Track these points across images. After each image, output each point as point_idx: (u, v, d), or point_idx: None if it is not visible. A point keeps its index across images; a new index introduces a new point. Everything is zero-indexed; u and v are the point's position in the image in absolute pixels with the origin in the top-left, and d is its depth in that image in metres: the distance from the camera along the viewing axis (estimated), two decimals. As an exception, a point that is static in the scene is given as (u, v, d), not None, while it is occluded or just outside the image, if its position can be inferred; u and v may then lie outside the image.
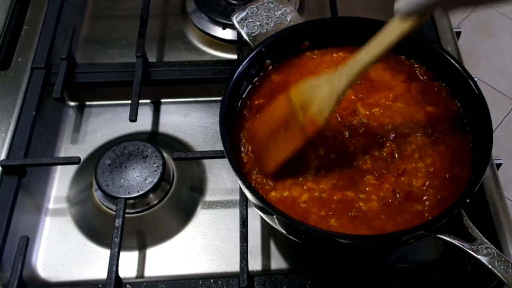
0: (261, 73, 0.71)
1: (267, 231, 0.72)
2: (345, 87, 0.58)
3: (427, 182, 0.62)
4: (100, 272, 0.69)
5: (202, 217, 0.74)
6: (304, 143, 0.61)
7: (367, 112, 0.67)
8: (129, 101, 0.76)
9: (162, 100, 0.85)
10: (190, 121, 0.82)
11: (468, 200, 0.57)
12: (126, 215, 0.69)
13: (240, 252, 0.65)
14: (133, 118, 0.75)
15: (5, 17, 0.89)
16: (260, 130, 0.64)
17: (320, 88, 0.59)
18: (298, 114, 0.60)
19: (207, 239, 0.72)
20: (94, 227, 0.73)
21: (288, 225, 0.59)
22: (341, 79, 0.58)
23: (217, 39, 0.90)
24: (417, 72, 0.71)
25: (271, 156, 0.62)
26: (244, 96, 0.69)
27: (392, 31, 0.56)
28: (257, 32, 0.72)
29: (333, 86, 0.59)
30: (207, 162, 0.78)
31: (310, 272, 0.67)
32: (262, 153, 0.63)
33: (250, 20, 0.73)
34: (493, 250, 0.55)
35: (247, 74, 0.69)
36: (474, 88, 0.64)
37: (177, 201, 0.74)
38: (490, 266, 0.54)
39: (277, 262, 0.70)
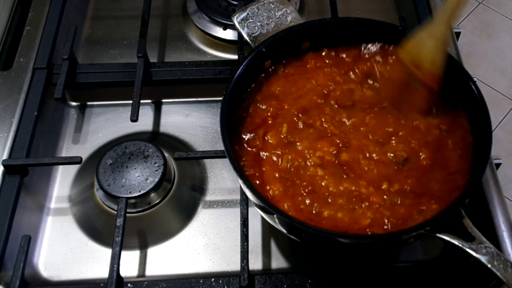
0: (262, 74, 0.71)
1: (267, 231, 0.72)
2: (446, 33, 0.62)
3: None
4: (101, 271, 0.69)
5: (203, 217, 0.74)
6: (431, 96, 0.65)
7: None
8: (130, 101, 0.77)
9: (163, 100, 0.85)
10: (191, 121, 0.83)
11: (467, 200, 0.58)
12: (127, 214, 0.69)
13: (241, 251, 0.66)
14: (134, 118, 0.75)
15: (7, 17, 0.89)
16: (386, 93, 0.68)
17: (425, 43, 0.63)
18: (414, 72, 0.64)
19: (208, 239, 0.72)
20: (96, 227, 0.73)
21: (288, 225, 0.59)
22: (441, 28, 0.62)
23: (218, 39, 0.90)
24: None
25: (408, 108, 0.67)
26: (244, 96, 0.70)
27: None
28: (257, 33, 0.72)
29: (436, 37, 0.62)
30: (208, 162, 0.78)
31: (310, 271, 0.67)
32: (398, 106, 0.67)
33: (251, 20, 0.73)
34: (492, 250, 0.55)
35: (247, 74, 0.69)
36: (474, 88, 0.65)
37: (178, 201, 0.74)
38: (489, 265, 0.54)
39: (278, 262, 0.70)
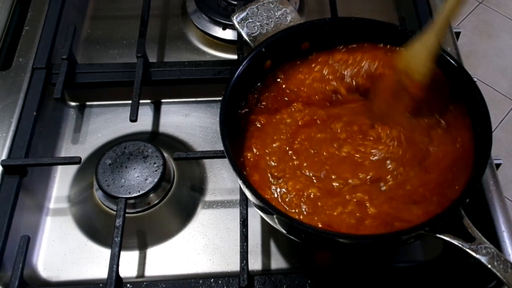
0: (261, 73, 0.71)
1: (267, 231, 0.72)
2: (435, 42, 0.64)
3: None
4: (100, 271, 0.69)
5: (203, 217, 0.74)
6: (413, 102, 0.67)
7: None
8: (130, 101, 0.77)
9: (163, 100, 0.85)
10: (191, 121, 0.83)
11: (467, 200, 0.58)
12: (126, 214, 0.69)
13: (240, 251, 0.66)
14: (133, 118, 0.75)
15: (6, 17, 0.89)
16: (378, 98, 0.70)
17: (418, 54, 0.65)
18: (405, 81, 0.66)
19: (207, 239, 0.72)
20: (95, 227, 0.73)
21: (288, 225, 0.59)
22: (432, 39, 0.64)
23: (218, 39, 0.90)
24: None
25: (394, 113, 0.68)
26: (244, 96, 0.70)
27: None
28: (257, 33, 0.72)
29: (427, 47, 0.64)
30: (207, 162, 0.78)
31: (310, 271, 0.67)
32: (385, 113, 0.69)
33: (250, 20, 0.73)
34: (492, 250, 0.55)
35: (247, 74, 0.69)
36: (474, 88, 0.65)
37: (178, 201, 0.74)
38: (489, 266, 0.54)
39: (277, 262, 0.70)
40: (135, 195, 0.70)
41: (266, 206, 0.57)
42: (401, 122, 0.67)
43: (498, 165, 0.77)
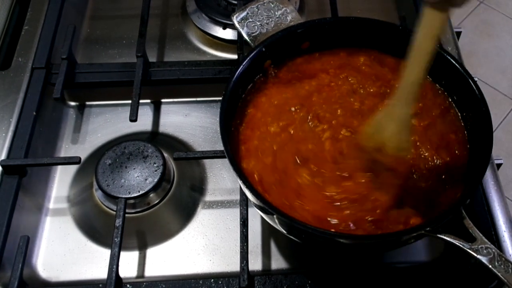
0: (262, 73, 0.71)
1: (267, 231, 0.72)
2: (408, 113, 0.57)
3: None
4: (100, 272, 0.69)
5: (203, 217, 0.74)
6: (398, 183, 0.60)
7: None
8: (130, 101, 0.76)
9: (163, 100, 0.85)
10: (191, 121, 0.82)
11: (468, 200, 0.57)
12: (126, 215, 0.69)
13: (241, 252, 0.66)
14: (133, 118, 0.75)
15: (5, 17, 0.89)
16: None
17: (385, 127, 0.58)
18: (379, 159, 0.60)
19: (208, 239, 0.72)
20: (95, 227, 0.73)
21: (288, 225, 0.59)
22: (401, 110, 0.56)
23: (218, 39, 0.90)
24: None
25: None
26: (244, 96, 0.69)
27: (428, 31, 0.53)
28: (257, 32, 0.72)
29: (396, 120, 0.57)
30: (207, 162, 0.78)
31: (310, 272, 0.67)
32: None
33: (251, 20, 0.72)
34: (493, 250, 0.55)
35: (247, 74, 0.69)
36: (474, 88, 0.64)
37: (178, 201, 0.74)
38: (490, 266, 0.54)
39: (278, 262, 0.70)
40: (135, 195, 0.70)
41: (266, 206, 0.57)
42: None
43: (499, 165, 0.77)
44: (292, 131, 0.66)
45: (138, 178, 0.71)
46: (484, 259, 0.55)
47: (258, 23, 0.72)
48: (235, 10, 0.75)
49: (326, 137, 0.65)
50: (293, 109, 0.68)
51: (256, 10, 0.73)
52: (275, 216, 0.57)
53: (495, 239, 0.68)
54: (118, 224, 0.67)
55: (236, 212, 0.70)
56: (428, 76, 0.70)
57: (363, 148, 0.60)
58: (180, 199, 0.74)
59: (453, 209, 0.56)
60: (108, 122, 0.82)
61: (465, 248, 0.55)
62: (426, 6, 0.52)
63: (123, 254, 0.67)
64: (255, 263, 0.70)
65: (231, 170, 0.60)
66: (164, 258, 0.71)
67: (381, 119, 0.58)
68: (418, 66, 0.54)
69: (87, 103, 0.84)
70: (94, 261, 0.70)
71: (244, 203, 0.68)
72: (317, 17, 0.73)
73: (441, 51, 0.68)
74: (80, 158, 0.73)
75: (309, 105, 0.69)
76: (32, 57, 0.83)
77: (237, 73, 0.67)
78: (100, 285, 0.66)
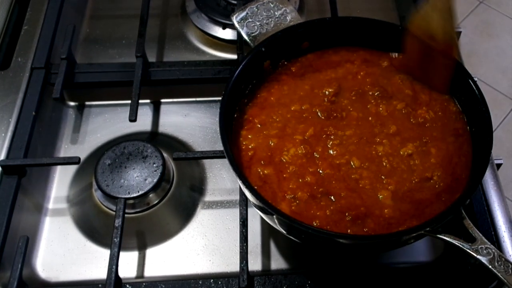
0: (261, 73, 0.71)
1: (267, 231, 0.72)
2: (448, 3, 0.62)
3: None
4: (100, 272, 0.69)
5: (202, 217, 0.74)
6: (454, 63, 0.66)
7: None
8: (129, 101, 0.76)
9: (162, 100, 0.85)
10: (190, 121, 0.82)
11: (468, 200, 0.57)
12: (126, 215, 0.69)
13: (240, 252, 0.65)
14: (133, 118, 0.75)
15: (4, 17, 0.89)
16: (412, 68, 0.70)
17: (432, 18, 0.64)
18: (432, 45, 0.65)
19: (207, 239, 0.72)
20: (94, 227, 0.73)
21: (288, 225, 0.59)
22: (444, 1, 0.62)
23: (217, 39, 0.89)
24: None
25: (437, 82, 0.68)
26: (244, 96, 0.69)
27: None
28: (257, 32, 0.72)
29: (439, 8, 0.62)
30: (207, 162, 0.78)
31: (310, 272, 0.67)
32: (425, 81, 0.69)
33: (250, 20, 0.72)
34: (493, 251, 0.55)
35: (247, 74, 0.68)
36: (475, 88, 0.64)
37: (177, 201, 0.74)
38: (490, 267, 0.54)
39: (277, 262, 0.70)
40: (135, 195, 0.70)
41: (266, 206, 0.57)
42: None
43: (499, 165, 0.77)
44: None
45: (138, 178, 0.71)
46: (484, 260, 0.55)
47: (258, 23, 0.72)
48: (235, 10, 0.74)
49: None
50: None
51: (256, 10, 0.73)
52: (274, 216, 0.57)
53: (495, 239, 0.68)
54: (118, 224, 0.67)
55: (235, 212, 0.70)
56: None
57: (416, 35, 0.66)
58: (180, 199, 0.74)
59: (453, 209, 0.56)
60: (107, 122, 0.82)
61: (465, 249, 0.55)
62: None
63: (123, 254, 0.67)
64: (255, 263, 0.70)
65: (231, 170, 0.60)
66: (164, 258, 0.70)
67: (427, 12, 0.64)
68: None
69: (87, 103, 0.84)
70: (94, 261, 0.70)
71: (243, 203, 0.68)
72: (317, 17, 0.73)
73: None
74: (79, 158, 0.73)
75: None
76: (32, 57, 0.83)
77: (236, 73, 0.67)
78: (100, 285, 0.66)
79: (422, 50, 0.67)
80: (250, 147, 0.65)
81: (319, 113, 0.67)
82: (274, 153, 0.64)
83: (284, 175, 0.63)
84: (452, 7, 0.63)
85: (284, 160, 0.63)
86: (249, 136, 0.66)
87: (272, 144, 0.65)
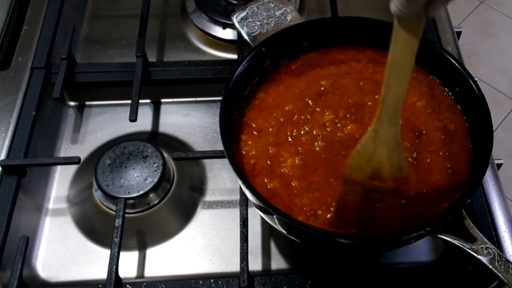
0: (262, 73, 0.71)
1: (267, 231, 0.72)
2: (397, 132, 0.54)
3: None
4: (100, 272, 0.69)
5: (202, 217, 0.74)
6: (406, 201, 0.58)
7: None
8: (129, 101, 0.76)
9: (162, 100, 0.85)
10: (190, 121, 0.82)
11: (468, 200, 0.57)
12: (126, 215, 0.69)
13: (241, 252, 0.65)
14: (133, 118, 0.75)
15: (5, 17, 0.89)
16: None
17: (375, 153, 0.55)
18: (378, 186, 0.57)
19: (207, 239, 0.72)
20: (94, 227, 0.73)
21: (288, 225, 0.59)
22: (389, 130, 0.54)
23: (217, 39, 0.89)
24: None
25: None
26: (244, 96, 0.69)
27: (405, 48, 0.49)
28: (257, 32, 0.72)
29: (387, 142, 0.54)
30: (207, 162, 0.78)
31: (310, 272, 0.67)
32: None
33: (250, 20, 0.72)
34: (493, 251, 0.55)
35: (247, 74, 0.68)
36: (475, 88, 0.64)
37: (177, 201, 0.74)
38: (490, 267, 0.54)
39: (277, 262, 0.70)
40: (135, 195, 0.70)
41: (266, 206, 0.57)
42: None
43: (499, 165, 0.77)
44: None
45: (138, 178, 0.71)
46: (484, 259, 0.55)
47: (258, 23, 0.72)
48: (235, 10, 0.74)
49: None
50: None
51: (256, 10, 0.73)
52: (275, 216, 0.57)
53: (495, 239, 0.67)
54: (118, 224, 0.67)
55: (236, 212, 0.70)
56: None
57: (355, 181, 0.57)
58: (180, 199, 0.74)
59: (453, 209, 0.56)
60: (107, 122, 0.82)
61: (465, 248, 0.55)
62: (400, 21, 0.48)
63: (123, 254, 0.67)
64: (255, 263, 0.70)
65: (231, 170, 0.60)
66: (164, 258, 0.70)
67: (368, 147, 0.55)
68: (398, 85, 0.51)
69: (87, 103, 0.84)
70: (94, 261, 0.70)
71: (244, 203, 0.68)
72: (317, 17, 0.73)
73: (441, 51, 0.68)
74: (79, 158, 0.73)
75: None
76: (32, 57, 0.83)
77: (237, 73, 0.67)
78: (100, 285, 0.66)
79: (361, 200, 0.58)
80: (251, 154, 0.64)
81: (309, 102, 0.67)
82: (274, 163, 0.64)
83: (295, 192, 0.62)
84: (399, 135, 0.54)
85: (285, 172, 0.63)
86: (249, 142, 0.66)
87: (271, 151, 0.64)
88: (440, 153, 0.64)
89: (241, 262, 0.65)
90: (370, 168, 0.56)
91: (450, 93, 0.69)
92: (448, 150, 0.64)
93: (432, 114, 0.67)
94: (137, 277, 0.69)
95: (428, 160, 0.63)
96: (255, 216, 0.72)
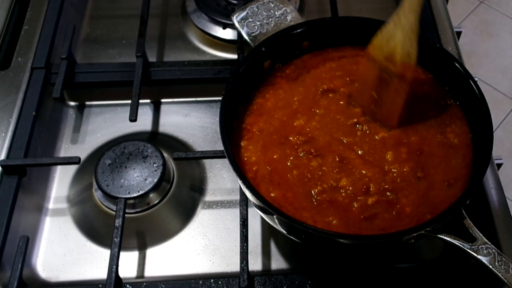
0: (261, 73, 0.71)
1: (267, 231, 0.72)
2: (414, 21, 0.60)
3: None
4: (100, 272, 0.69)
5: (202, 217, 0.74)
6: (408, 90, 0.63)
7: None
8: (129, 101, 0.76)
9: (162, 100, 0.85)
10: (190, 121, 0.82)
11: (468, 200, 0.57)
12: (126, 215, 0.69)
13: (241, 252, 0.65)
14: (133, 118, 0.75)
15: (5, 17, 0.89)
16: (361, 96, 0.67)
17: (394, 36, 0.61)
18: (389, 67, 0.63)
19: (207, 239, 0.72)
20: (94, 227, 0.73)
21: (288, 225, 0.59)
22: (408, 18, 0.60)
23: (217, 39, 0.89)
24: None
25: (388, 113, 0.65)
26: (244, 96, 0.69)
27: None
28: (257, 32, 0.72)
29: (404, 27, 0.61)
30: (207, 162, 0.78)
31: (310, 272, 0.67)
32: (376, 113, 0.66)
33: (251, 20, 0.72)
34: (493, 250, 0.55)
35: (247, 74, 0.68)
36: (475, 88, 0.64)
37: (177, 201, 0.74)
38: (490, 266, 0.54)
39: (277, 262, 0.70)
40: (135, 195, 0.70)
41: (266, 206, 0.57)
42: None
43: (499, 165, 0.77)
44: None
45: (138, 178, 0.71)
46: (484, 259, 0.55)
47: (258, 23, 0.72)
48: (235, 10, 0.74)
49: None
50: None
51: (256, 10, 0.73)
52: (275, 216, 0.57)
53: (495, 239, 0.67)
54: (118, 224, 0.67)
55: (236, 212, 0.70)
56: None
57: (374, 58, 0.64)
58: (180, 199, 0.74)
59: (453, 209, 0.56)
60: (107, 122, 0.82)
61: (465, 248, 0.55)
62: None
63: (123, 254, 0.67)
64: (255, 263, 0.70)
65: (231, 170, 0.60)
66: (164, 258, 0.70)
67: (389, 29, 0.62)
68: None
69: (87, 103, 0.84)
70: (94, 261, 0.70)
71: (244, 203, 0.68)
72: (317, 17, 0.73)
73: (441, 51, 0.68)
74: (79, 158, 0.73)
75: None
76: (32, 57, 0.83)
77: (237, 73, 0.66)
78: (100, 285, 0.66)
79: (376, 77, 0.65)
80: (252, 160, 0.64)
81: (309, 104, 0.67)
82: (274, 171, 0.63)
83: (304, 204, 0.61)
84: (416, 24, 0.60)
85: (289, 181, 0.62)
86: (250, 147, 0.65)
87: (274, 157, 0.64)
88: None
89: (241, 262, 0.65)
90: (387, 49, 0.62)
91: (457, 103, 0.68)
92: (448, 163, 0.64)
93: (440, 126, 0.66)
94: (137, 277, 0.69)
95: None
96: (255, 216, 0.72)
